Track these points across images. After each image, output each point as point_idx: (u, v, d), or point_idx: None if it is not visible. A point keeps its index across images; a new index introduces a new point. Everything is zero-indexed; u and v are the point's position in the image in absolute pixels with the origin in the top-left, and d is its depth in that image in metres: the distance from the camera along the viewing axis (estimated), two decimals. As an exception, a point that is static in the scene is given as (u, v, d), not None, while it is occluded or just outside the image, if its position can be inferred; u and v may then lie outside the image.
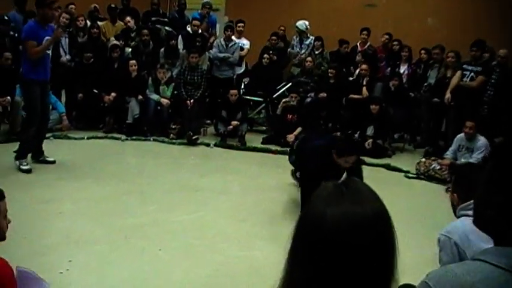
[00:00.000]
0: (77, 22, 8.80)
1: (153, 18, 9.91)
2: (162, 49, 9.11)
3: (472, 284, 1.10)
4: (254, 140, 8.38)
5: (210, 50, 9.54)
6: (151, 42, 9.13)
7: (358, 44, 9.83)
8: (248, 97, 9.30)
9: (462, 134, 6.71)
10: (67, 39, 8.38)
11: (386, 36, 9.58)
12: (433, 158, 7.13)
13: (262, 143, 8.25)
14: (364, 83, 8.71)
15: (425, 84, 8.55)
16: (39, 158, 6.26)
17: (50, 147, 6.65)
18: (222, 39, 9.43)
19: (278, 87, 9.32)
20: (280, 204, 5.49)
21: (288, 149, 6.70)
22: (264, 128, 9.33)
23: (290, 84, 9.27)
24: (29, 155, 6.14)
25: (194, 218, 4.95)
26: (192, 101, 8.50)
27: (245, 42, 9.66)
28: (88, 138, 7.74)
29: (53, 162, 6.30)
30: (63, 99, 8.33)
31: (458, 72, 7.82)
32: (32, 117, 6.01)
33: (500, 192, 1.17)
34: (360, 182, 1.13)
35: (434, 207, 5.56)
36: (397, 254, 1.08)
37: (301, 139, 5.88)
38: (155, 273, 3.78)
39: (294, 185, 5.93)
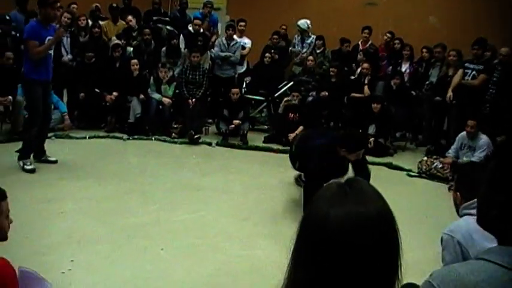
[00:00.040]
0: (78, 22, 8.81)
1: (154, 18, 9.91)
2: (164, 48, 9.11)
3: (475, 284, 1.10)
4: (256, 139, 8.38)
5: (212, 49, 9.54)
6: (152, 42, 9.13)
7: (359, 42, 9.83)
8: (250, 96, 9.30)
9: (464, 133, 6.70)
10: (69, 39, 8.39)
11: (389, 35, 9.57)
12: (435, 156, 7.12)
13: (264, 142, 8.25)
14: (366, 81, 8.71)
15: (427, 82, 8.54)
16: (41, 157, 6.25)
17: (52, 146, 6.65)
18: (223, 39, 9.43)
19: (280, 86, 9.32)
20: (282, 203, 5.49)
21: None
22: (266, 127, 9.33)
23: (292, 83, 9.27)
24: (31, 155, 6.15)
25: (196, 217, 4.95)
26: (193, 100, 8.51)
27: (247, 41, 9.66)
28: (90, 138, 7.74)
29: (55, 161, 6.30)
30: (65, 98, 8.35)
31: (460, 71, 7.82)
32: (34, 117, 6.01)
33: (502, 192, 1.17)
34: (363, 182, 1.13)
35: (436, 205, 5.56)
36: (401, 254, 1.08)
37: (299, 138, 5.86)
38: (157, 272, 3.78)
39: (295, 184, 5.93)
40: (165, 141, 8.03)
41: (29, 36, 5.77)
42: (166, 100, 8.37)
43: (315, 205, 1.10)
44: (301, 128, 8.04)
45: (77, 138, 7.64)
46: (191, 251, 4.19)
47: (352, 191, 1.08)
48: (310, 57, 9.52)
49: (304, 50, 9.92)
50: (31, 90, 5.93)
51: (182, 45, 9.37)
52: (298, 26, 9.96)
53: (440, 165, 6.78)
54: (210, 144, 8.00)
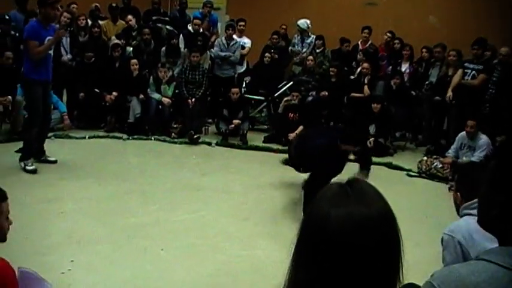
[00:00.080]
0: (78, 21, 8.80)
1: (154, 17, 9.90)
2: (163, 48, 9.11)
3: (476, 284, 1.10)
4: (256, 138, 8.38)
5: (212, 49, 9.54)
6: (152, 41, 9.13)
7: (359, 42, 9.83)
8: (249, 96, 9.30)
9: (464, 132, 6.71)
10: (68, 39, 8.38)
11: (389, 35, 9.56)
12: (434, 156, 7.13)
13: (263, 141, 8.25)
14: (366, 81, 8.71)
15: (427, 82, 8.54)
16: (41, 157, 6.25)
17: (52, 146, 6.65)
18: (223, 38, 9.43)
19: (279, 86, 9.32)
20: (282, 203, 5.49)
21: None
22: (266, 126, 9.33)
23: (291, 83, 9.27)
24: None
25: (196, 217, 4.95)
26: (193, 100, 8.51)
27: (246, 41, 9.66)
28: (89, 138, 7.73)
29: (55, 161, 6.30)
30: (65, 98, 8.33)
31: (460, 71, 7.82)
32: (33, 118, 6.00)
33: (502, 192, 1.17)
34: (364, 182, 1.13)
35: (436, 205, 5.56)
36: (402, 255, 1.07)
37: (298, 139, 5.89)
38: (157, 272, 3.78)
39: (296, 184, 5.92)
40: (164, 141, 8.02)
41: (29, 36, 5.76)
42: (166, 100, 8.36)
43: (316, 205, 1.10)
44: (301, 127, 8.04)
45: (77, 138, 7.64)
46: (191, 251, 4.19)
47: (353, 192, 1.08)
48: (310, 57, 9.51)
49: (304, 49, 9.92)
50: (31, 90, 5.92)
51: (182, 45, 9.36)
52: (298, 25, 9.96)
53: (440, 165, 6.78)
54: (209, 144, 8.00)
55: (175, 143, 7.96)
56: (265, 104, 9.37)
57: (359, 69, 9.10)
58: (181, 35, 9.47)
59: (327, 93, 8.88)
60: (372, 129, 8.01)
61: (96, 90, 8.35)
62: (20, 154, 6.04)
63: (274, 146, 7.95)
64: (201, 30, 9.58)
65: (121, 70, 8.49)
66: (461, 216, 2.57)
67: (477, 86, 7.62)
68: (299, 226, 1.12)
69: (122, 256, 4.01)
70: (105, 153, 7.11)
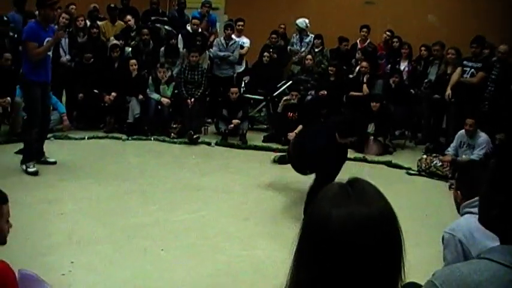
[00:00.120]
0: (76, 22, 8.78)
1: (152, 18, 9.89)
2: (162, 48, 9.11)
3: (478, 283, 1.10)
4: (255, 138, 8.38)
5: (210, 49, 9.53)
6: (151, 42, 9.12)
7: (358, 41, 9.83)
8: (249, 95, 9.31)
9: (463, 131, 6.71)
10: (67, 40, 8.36)
11: (388, 33, 9.56)
12: (434, 154, 7.13)
13: (263, 141, 8.25)
14: (365, 80, 8.71)
15: (426, 81, 8.54)
16: (40, 158, 6.24)
17: (51, 147, 6.64)
18: (222, 38, 9.43)
19: (278, 85, 9.32)
20: (282, 202, 5.49)
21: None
22: (265, 126, 9.33)
23: (290, 82, 9.27)
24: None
25: (196, 218, 4.95)
26: (192, 100, 8.51)
27: (245, 41, 9.65)
28: (89, 138, 7.73)
29: (54, 162, 6.29)
30: (64, 99, 8.32)
31: (459, 69, 7.82)
32: (33, 119, 5.99)
33: (503, 192, 1.17)
34: (365, 182, 1.13)
35: (436, 204, 5.57)
36: (404, 254, 1.07)
37: (297, 137, 5.91)
38: (157, 272, 3.78)
39: (296, 184, 5.92)
40: (164, 141, 8.02)
41: (28, 38, 5.75)
42: (165, 100, 8.36)
43: (317, 205, 1.10)
44: (300, 127, 8.04)
45: (76, 138, 7.63)
46: (191, 251, 4.19)
47: (354, 191, 1.08)
48: (309, 56, 9.51)
49: (303, 49, 9.91)
50: (30, 92, 5.91)
51: (181, 45, 9.36)
52: (297, 25, 9.95)
53: (440, 163, 6.79)
54: (209, 144, 7.99)
55: (175, 143, 7.96)
56: (264, 103, 9.37)
57: (358, 68, 9.10)
58: (180, 35, 9.47)
59: (326, 93, 8.88)
60: (371, 128, 8.01)
61: (95, 90, 8.34)
62: (20, 155, 6.03)
63: (274, 146, 7.95)
64: (200, 30, 9.57)
65: (120, 70, 8.48)
66: (461, 215, 2.57)
67: (476, 84, 7.62)
68: (300, 226, 1.12)
69: (122, 256, 4.01)
70: (105, 153, 7.11)
